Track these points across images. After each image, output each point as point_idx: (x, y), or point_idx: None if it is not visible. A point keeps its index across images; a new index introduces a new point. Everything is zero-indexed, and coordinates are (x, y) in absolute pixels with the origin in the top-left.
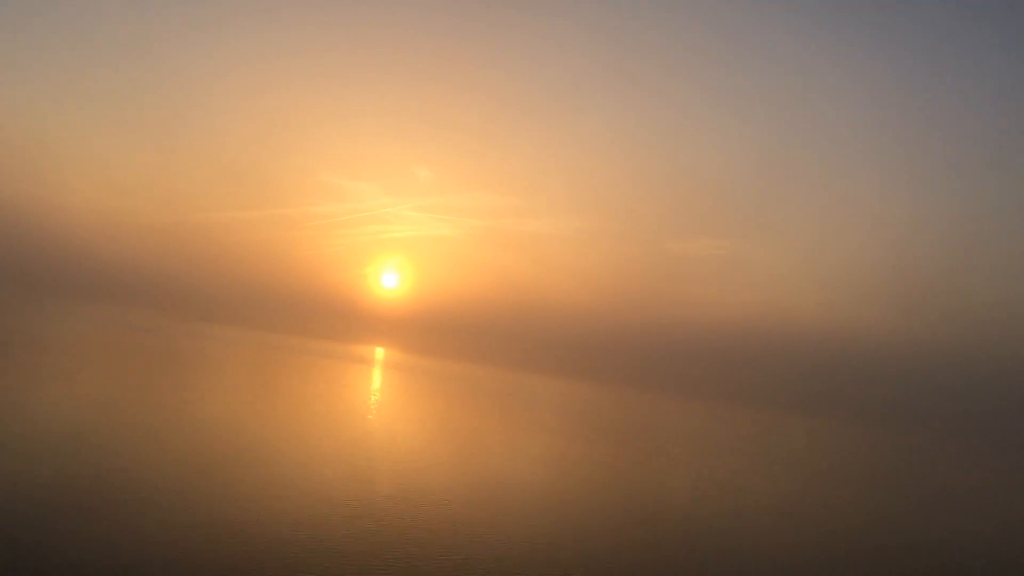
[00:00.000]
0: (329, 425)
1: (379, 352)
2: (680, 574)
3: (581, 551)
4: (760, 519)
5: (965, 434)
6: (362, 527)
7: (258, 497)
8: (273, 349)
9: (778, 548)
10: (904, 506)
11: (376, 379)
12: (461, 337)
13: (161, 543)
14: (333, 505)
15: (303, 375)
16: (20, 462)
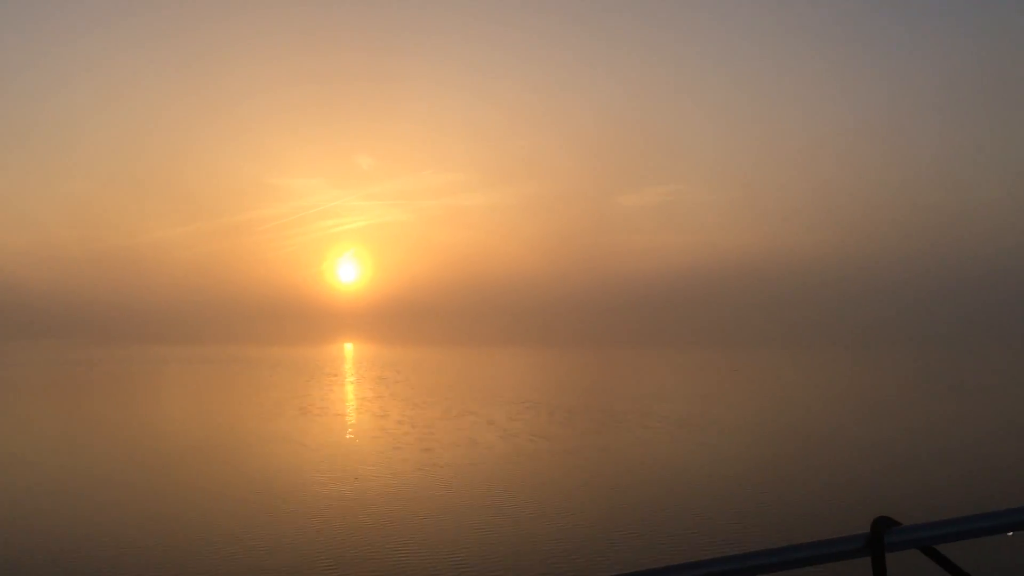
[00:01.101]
0: (306, 435)
1: (348, 348)
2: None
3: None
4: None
5: (937, 344)
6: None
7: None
8: (237, 362)
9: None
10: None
11: (349, 379)
12: (427, 320)
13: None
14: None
15: (265, 385)
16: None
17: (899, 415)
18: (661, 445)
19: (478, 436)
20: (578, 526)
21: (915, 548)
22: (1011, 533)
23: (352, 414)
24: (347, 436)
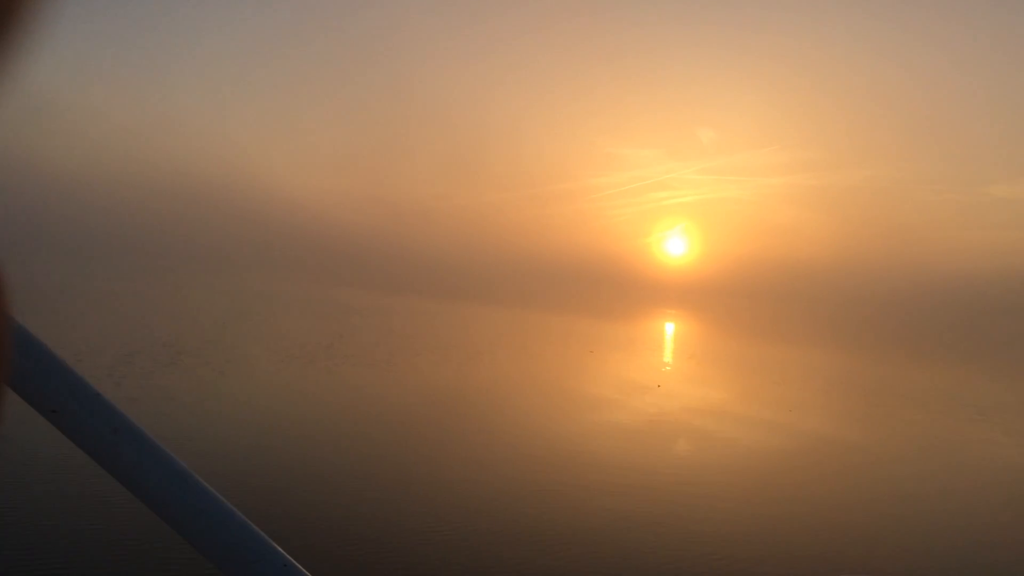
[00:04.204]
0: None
1: (670, 329)
2: None
3: None
4: None
5: None
6: None
7: None
8: (558, 332)
9: None
10: None
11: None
12: (750, 304)
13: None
14: None
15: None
16: None
17: None
18: None
19: None
20: None
21: None
22: None
23: None
24: None
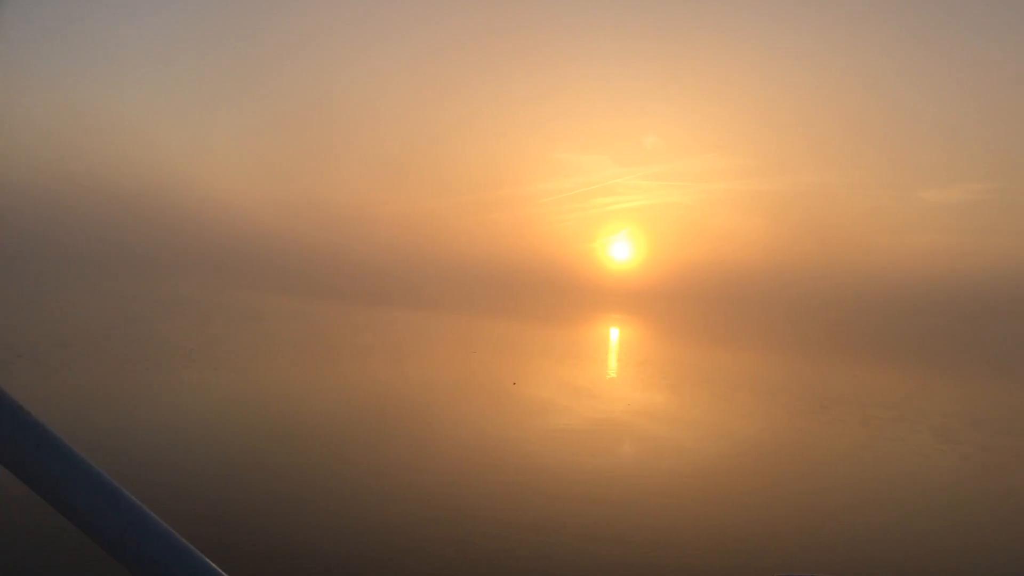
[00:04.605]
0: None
1: (615, 334)
2: None
3: None
4: None
5: None
6: None
7: None
8: (499, 338)
9: None
10: None
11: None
12: (697, 308)
13: None
14: None
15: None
16: None
17: None
18: None
19: None
20: None
21: None
22: None
23: None
24: None
